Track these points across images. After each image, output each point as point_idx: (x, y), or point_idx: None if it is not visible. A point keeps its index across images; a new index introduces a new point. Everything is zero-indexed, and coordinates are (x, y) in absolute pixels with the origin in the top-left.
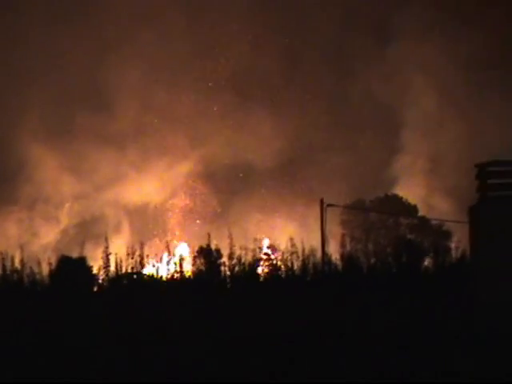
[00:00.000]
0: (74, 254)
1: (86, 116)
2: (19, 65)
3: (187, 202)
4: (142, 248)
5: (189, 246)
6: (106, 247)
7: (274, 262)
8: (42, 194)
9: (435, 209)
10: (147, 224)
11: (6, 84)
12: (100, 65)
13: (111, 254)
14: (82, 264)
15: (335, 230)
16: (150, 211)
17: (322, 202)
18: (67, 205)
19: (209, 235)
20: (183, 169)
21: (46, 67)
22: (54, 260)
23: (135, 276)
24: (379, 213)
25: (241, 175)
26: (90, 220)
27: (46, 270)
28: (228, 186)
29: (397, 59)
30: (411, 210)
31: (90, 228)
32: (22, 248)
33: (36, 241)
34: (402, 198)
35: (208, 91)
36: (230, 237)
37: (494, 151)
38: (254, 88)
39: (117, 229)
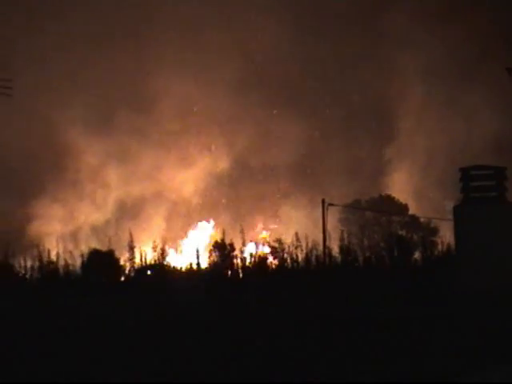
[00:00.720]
0: (113, 235)
1: (130, 115)
2: (76, 69)
3: (214, 196)
4: (164, 242)
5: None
6: (131, 241)
7: (281, 254)
8: (86, 177)
9: (425, 206)
10: (179, 215)
11: (62, 80)
12: (145, 72)
13: (136, 247)
14: (110, 256)
15: (335, 227)
16: (183, 202)
17: (323, 201)
18: (109, 190)
19: (223, 231)
20: (212, 165)
21: (97, 71)
22: (92, 245)
23: (149, 272)
24: (374, 212)
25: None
26: (130, 206)
27: (78, 261)
28: (247, 183)
29: (396, 63)
30: (402, 208)
31: (129, 214)
32: (58, 241)
33: (78, 221)
34: (394, 198)
35: (237, 93)
36: (242, 232)
37: (482, 151)
38: (281, 90)
39: (154, 218)
